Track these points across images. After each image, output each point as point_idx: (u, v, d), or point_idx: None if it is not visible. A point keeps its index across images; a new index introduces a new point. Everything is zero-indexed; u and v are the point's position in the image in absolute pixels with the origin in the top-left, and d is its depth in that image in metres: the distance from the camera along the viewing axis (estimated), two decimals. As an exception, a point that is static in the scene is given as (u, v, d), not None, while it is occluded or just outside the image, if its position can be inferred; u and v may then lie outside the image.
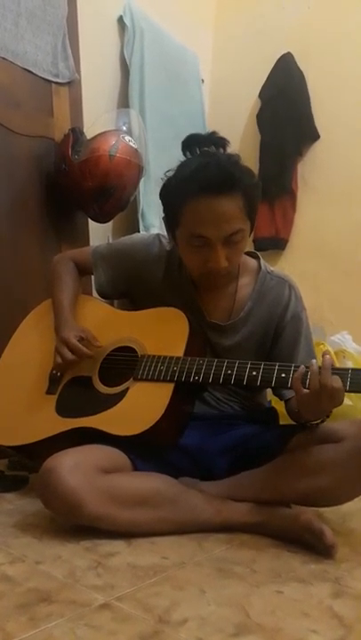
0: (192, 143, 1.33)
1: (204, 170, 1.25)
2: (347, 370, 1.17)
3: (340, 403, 1.16)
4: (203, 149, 1.32)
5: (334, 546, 1.14)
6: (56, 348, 1.41)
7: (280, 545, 1.19)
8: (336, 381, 1.13)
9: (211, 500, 1.26)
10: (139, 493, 1.19)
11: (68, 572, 1.02)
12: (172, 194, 1.31)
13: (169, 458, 1.33)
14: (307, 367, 1.18)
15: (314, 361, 1.17)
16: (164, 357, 1.31)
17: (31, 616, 0.86)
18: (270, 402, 1.66)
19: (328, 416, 1.26)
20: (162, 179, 1.34)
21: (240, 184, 1.26)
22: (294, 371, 1.19)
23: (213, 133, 1.35)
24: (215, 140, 1.33)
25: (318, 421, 1.28)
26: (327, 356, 1.17)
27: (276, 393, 1.42)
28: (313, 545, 1.16)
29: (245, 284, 1.45)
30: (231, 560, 1.11)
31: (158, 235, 1.50)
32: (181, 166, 1.31)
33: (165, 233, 1.42)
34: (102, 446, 1.25)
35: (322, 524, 1.16)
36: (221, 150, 1.33)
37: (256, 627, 0.86)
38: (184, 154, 1.34)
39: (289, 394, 1.36)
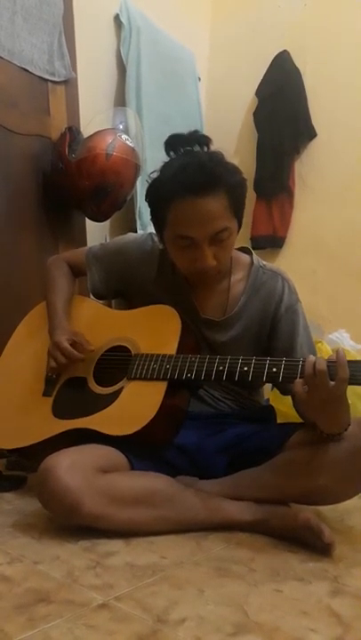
0: (175, 143, 1.32)
1: (185, 170, 1.25)
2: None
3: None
4: (186, 149, 1.31)
5: (333, 544, 1.14)
6: (49, 352, 1.42)
7: (278, 544, 1.19)
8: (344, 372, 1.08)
9: (209, 498, 1.26)
10: (136, 493, 1.19)
11: (66, 572, 1.01)
12: (156, 196, 1.31)
13: (166, 457, 1.33)
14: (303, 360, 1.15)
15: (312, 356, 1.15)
16: (157, 356, 1.31)
17: (29, 616, 0.86)
18: (268, 400, 1.65)
19: (346, 429, 1.20)
20: (147, 180, 1.34)
21: (223, 182, 1.25)
22: (285, 365, 1.19)
23: (195, 132, 1.33)
24: (198, 139, 1.32)
25: (336, 433, 1.20)
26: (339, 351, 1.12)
27: (282, 389, 1.40)
28: (311, 543, 1.16)
29: (239, 280, 1.45)
30: (230, 559, 1.11)
31: (151, 234, 1.49)
32: (164, 168, 1.31)
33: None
34: (100, 446, 1.25)
35: (320, 523, 1.16)
36: (205, 148, 1.31)
37: (255, 626, 0.86)
38: (168, 154, 1.33)
39: None
